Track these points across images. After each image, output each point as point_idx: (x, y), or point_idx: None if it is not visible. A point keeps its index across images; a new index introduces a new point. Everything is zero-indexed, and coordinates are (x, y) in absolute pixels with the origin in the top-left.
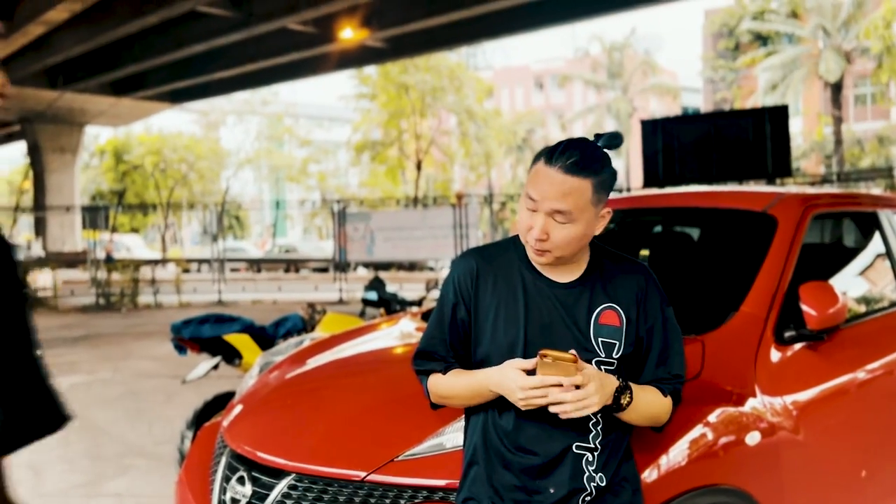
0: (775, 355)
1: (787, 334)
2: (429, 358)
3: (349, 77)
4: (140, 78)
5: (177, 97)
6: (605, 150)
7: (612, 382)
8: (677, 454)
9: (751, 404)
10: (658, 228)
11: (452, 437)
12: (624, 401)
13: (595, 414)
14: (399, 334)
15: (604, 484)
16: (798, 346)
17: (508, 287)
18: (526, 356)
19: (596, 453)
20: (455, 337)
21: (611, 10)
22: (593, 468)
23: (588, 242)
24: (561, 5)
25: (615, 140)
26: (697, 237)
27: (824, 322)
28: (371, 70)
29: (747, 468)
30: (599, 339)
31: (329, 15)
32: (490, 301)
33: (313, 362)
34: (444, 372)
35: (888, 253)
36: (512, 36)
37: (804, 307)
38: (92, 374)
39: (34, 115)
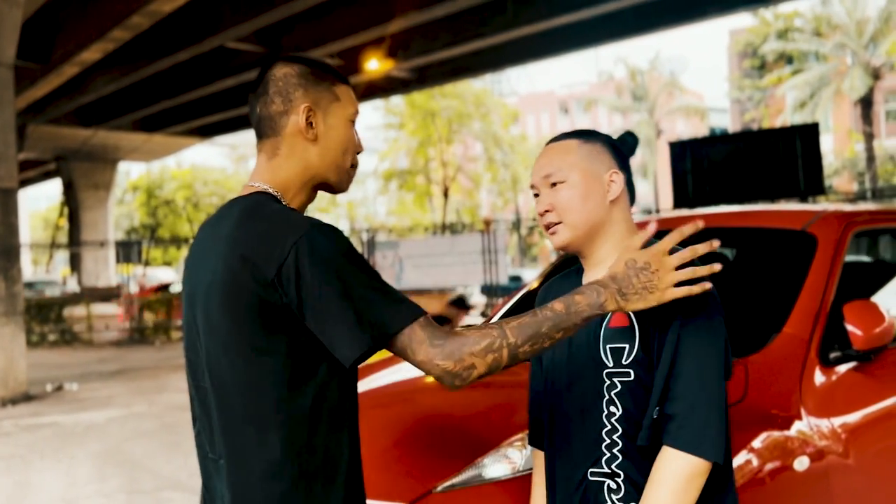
0: (821, 377)
1: (833, 355)
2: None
3: (374, 108)
4: (171, 114)
5: (207, 132)
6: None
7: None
8: None
9: (797, 428)
10: None
11: (492, 467)
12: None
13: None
14: None
15: None
16: (844, 367)
17: None
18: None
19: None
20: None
21: (634, 32)
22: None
23: (606, 220)
24: (584, 30)
25: (628, 139)
26: (734, 257)
27: (871, 342)
28: (397, 100)
29: (796, 495)
30: (608, 347)
31: (354, 47)
32: None
33: None
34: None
35: None
36: (536, 62)
37: (849, 327)
38: (127, 407)
39: (69, 153)
